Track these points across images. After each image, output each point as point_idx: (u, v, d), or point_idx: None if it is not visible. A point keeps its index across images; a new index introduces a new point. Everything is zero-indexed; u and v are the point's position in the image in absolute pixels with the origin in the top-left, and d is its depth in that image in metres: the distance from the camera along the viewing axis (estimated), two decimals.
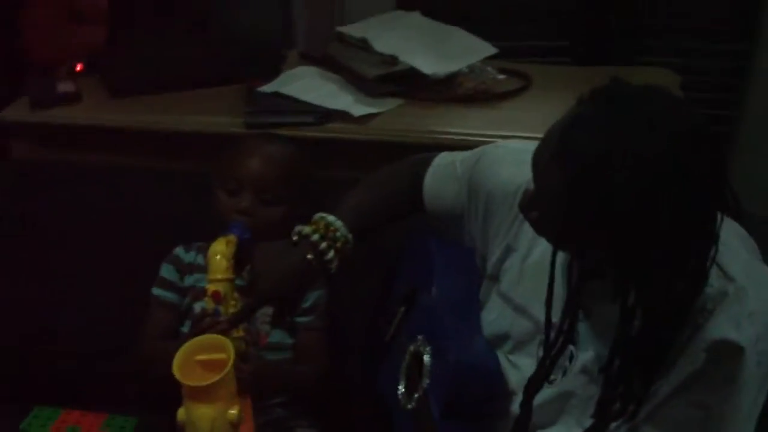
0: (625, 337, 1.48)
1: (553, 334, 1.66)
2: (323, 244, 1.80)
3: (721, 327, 1.47)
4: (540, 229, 1.58)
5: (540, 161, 1.48)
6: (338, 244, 1.81)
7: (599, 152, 1.37)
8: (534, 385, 1.65)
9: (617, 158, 1.35)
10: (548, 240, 1.58)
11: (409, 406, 1.81)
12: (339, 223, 1.82)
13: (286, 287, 1.82)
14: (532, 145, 1.52)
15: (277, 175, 2.09)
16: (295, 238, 1.82)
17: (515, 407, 1.71)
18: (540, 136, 1.51)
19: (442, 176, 1.93)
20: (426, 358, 1.80)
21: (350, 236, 1.82)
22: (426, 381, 1.78)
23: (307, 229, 1.81)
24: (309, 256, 1.79)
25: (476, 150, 1.92)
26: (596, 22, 3.47)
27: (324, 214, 1.83)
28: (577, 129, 1.41)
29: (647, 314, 1.45)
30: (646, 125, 1.37)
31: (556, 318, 1.66)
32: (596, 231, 1.42)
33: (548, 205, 1.48)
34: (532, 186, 1.53)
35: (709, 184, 1.40)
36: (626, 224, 1.37)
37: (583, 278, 1.58)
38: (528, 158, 1.54)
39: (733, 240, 1.55)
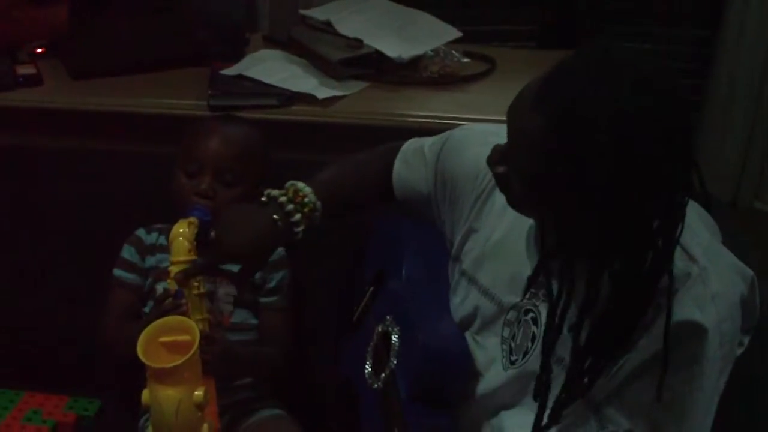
0: (590, 310, 1.48)
1: (515, 314, 1.67)
2: (290, 206, 1.79)
3: (685, 308, 1.48)
4: (504, 186, 1.55)
5: (517, 109, 1.46)
6: (306, 210, 1.80)
7: (582, 101, 1.35)
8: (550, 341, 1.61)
9: (600, 109, 1.34)
10: (510, 199, 1.57)
11: (376, 386, 1.81)
12: (308, 190, 1.81)
13: (249, 246, 1.79)
14: (499, 128, 1.51)
15: (235, 155, 2.09)
16: (263, 199, 1.81)
17: (481, 387, 1.72)
18: (504, 118, 1.49)
19: (410, 162, 1.93)
20: (394, 338, 1.80)
21: (318, 204, 1.82)
22: (393, 361, 1.78)
23: (275, 192, 1.81)
24: (274, 217, 1.78)
25: (444, 134, 1.91)
26: (562, 7, 3.48)
27: (294, 181, 1.83)
28: (560, 78, 1.40)
29: (613, 292, 1.45)
30: (632, 82, 1.35)
31: (518, 298, 1.67)
32: (567, 184, 1.39)
33: (520, 156, 1.46)
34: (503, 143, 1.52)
35: (684, 156, 1.40)
36: (601, 176, 1.36)
37: (548, 255, 1.58)
38: (494, 140, 1.54)
39: (696, 222, 1.56)
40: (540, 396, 1.59)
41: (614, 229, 1.41)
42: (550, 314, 1.56)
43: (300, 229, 1.81)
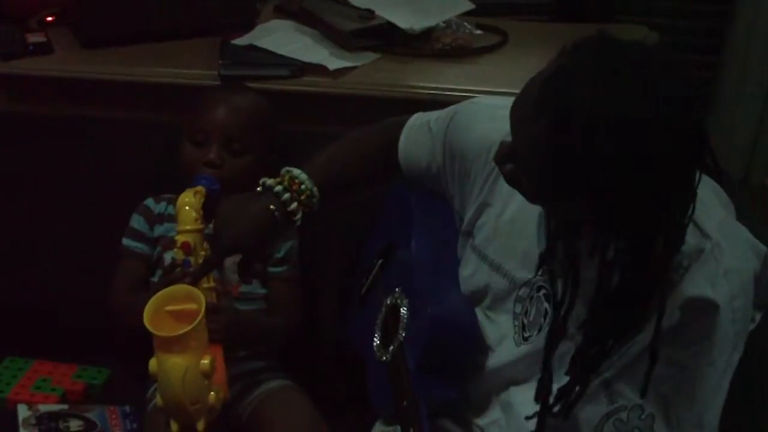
0: (603, 293, 1.47)
1: (527, 290, 1.66)
2: (286, 195, 1.79)
3: (697, 284, 1.47)
4: (514, 182, 1.54)
5: (519, 112, 1.45)
6: (302, 197, 1.80)
7: (582, 104, 1.33)
8: (554, 339, 1.61)
9: (601, 111, 1.32)
10: (522, 193, 1.56)
11: (385, 358, 1.81)
12: (304, 176, 1.81)
13: (248, 238, 1.80)
14: (508, 101, 1.50)
15: (243, 124, 2.09)
16: (258, 189, 1.82)
17: (491, 362, 1.72)
18: (516, 91, 1.47)
19: (416, 137, 1.91)
20: (403, 310, 1.80)
21: (315, 190, 1.81)
22: (402, 333, 1.78)
23: (270, 181, 1.81)
24: (271, 207, 1.78)
25: (450, 108, 1.89)
26: None
27: (290, 168, 1.83)
28: (560, 80, 1.37)
29: (626, 269, 1.44)
30: (632, 79, 1.33)
31: (530, 275, 1.66)
32: (575, 184, 1.38)
33: (525, 157, 1.45)
34: (508, 138, 1.51)
35: (691, 141, 1.37)
36: (607, 178, 1.35)
37: (559, 235, 1.57)
38: (504, 114, 1.52)
39: (710, 198, 1.55)
40: (541, 395, 1.59)
41: (624, 216, 1.40)
42: (555, 315, 1.56)
43: (298, 217, 1.81)
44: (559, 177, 1.39)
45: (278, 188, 1.80)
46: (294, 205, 1.79)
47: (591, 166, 1.34)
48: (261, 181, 1.82)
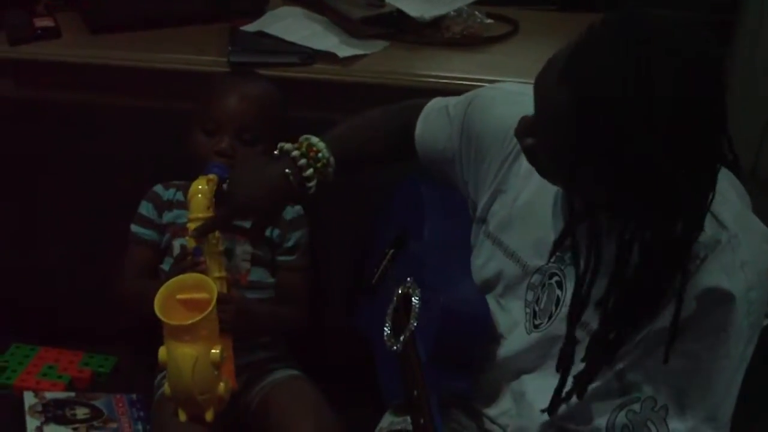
0: (620, 275, 1.45)
1: (539, 277, 1.65)
2: (302, 161, 1.79)
3: (713, 275, 1.46)
4: (533, 157, 1.52)
5: (544, 84, 1.42)
6: (319, 165, 1.80)
7: (607, 77, 1.32)
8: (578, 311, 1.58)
9: (625, 85, 1.30)
10: (540, 171, 1.54)
11: (396, 348, 1.80)
12: (322, 145, 1.81)
13: (261, 199, 1.80)
14: (528, 88, 1.48)
15: (255, 114, 2.08)
16: (276, 153, 1.81)
17: (503, 351, 1.71)
18: (526, 81, 1.48)
19: (433, 120, 1.90)
20: (415, 300, 1.79)
21: (332, 159, 1.81)
22: (414, 323, 1.77)
23: (288, 146, 1.81)
24: (287, 171, 1.78)
25: (470, 93, 1.89)
26: None
27: (309, 136, 1.82)
28: (586, 52, 1.36)
29: (643, 261, 1.43)
30: (660, 54, 1.31)
31: (543, 262, 1.66)
32: (596, 159, 1.37)
33: (547, 130, 1.43)
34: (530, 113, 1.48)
35: (714, 117, 1.36)
36: (628, 153, 1.33)
37: (576, 219, 1.55)
38: (523, 100, 1.51)
39: (727, 189, 1.53)
40: (563, 366, 1.58)
41: (644, 199, 1.38)
42: (578, 286, 1.54)
43: (312, 184, 1.80)
44: (579, 151, 1.38)
45: (295, 153, 1.79)
46: (310, 171, 1.79)
47: (614, 138, 1.33)
48: (279, 146, 1.82)
